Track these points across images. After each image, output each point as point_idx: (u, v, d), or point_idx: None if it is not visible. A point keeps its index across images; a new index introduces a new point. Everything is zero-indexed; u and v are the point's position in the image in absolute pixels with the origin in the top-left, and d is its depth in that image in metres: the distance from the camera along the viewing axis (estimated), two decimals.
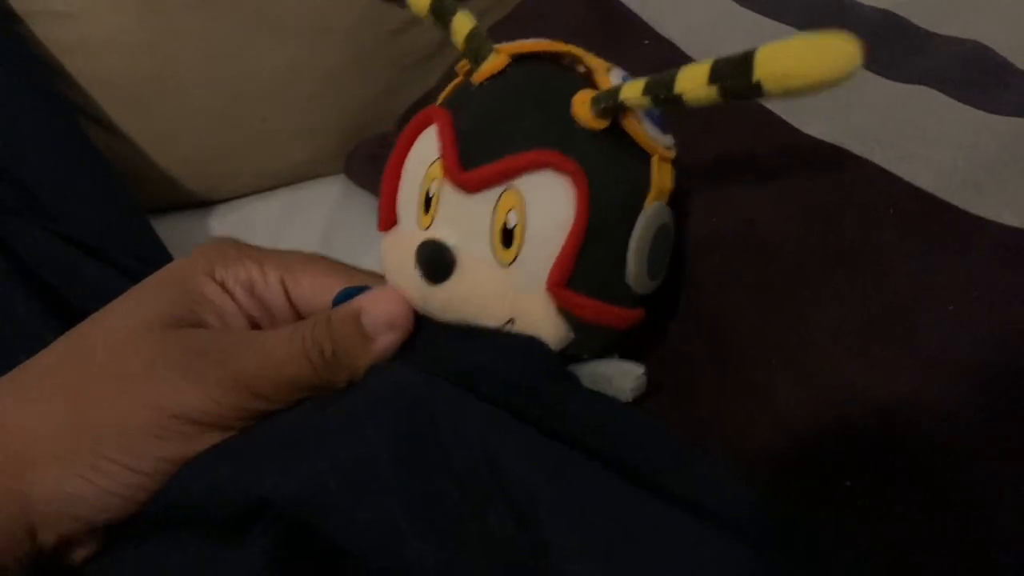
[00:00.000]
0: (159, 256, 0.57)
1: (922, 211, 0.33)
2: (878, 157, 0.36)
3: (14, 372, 0.30)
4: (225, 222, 0.71)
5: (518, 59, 0.35)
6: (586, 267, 0.32)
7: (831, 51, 0.25)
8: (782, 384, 0.34)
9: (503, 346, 0.33)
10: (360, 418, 0.29)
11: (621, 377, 0.34)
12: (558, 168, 0.32)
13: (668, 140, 0.35)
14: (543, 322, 0.33)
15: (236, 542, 0.28)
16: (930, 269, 0.32)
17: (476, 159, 0.32)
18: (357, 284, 0.35)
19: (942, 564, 0.29)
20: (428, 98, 0.66)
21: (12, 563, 0.28)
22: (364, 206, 0.70)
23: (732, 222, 0.38)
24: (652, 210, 0.34)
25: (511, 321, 0.33)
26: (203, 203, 0.73)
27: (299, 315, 0.36)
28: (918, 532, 0.30)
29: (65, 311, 0.43)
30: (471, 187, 0.32)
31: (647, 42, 0.48)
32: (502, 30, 0.57)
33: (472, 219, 0.32)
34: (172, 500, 0.29)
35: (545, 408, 0.30)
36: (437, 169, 0.33)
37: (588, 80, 0.34)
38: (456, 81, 0.37)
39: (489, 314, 0.33)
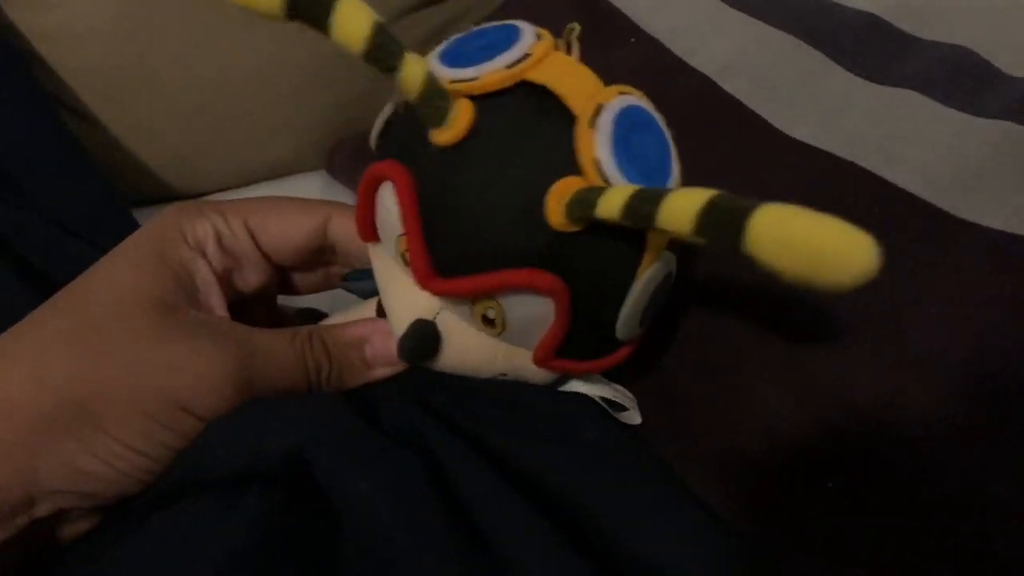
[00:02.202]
0: None
1: (908, 214, 0.33)
2: (864, 160, 0.36)
3: (4, 338, 0.30)
4: None
5: (483, 99, 0.29)
6: (573, 342, 0.30)
7: (835, 255, 0.21)
8: (764, 385, 0.34)
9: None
10: (374, 415, 0.31)
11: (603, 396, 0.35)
12: (535, 288, 0.28)
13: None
14: (534, 376, 0.33)
15: (232, 506, 0.28)
16: (915, 271, 0.32)
17: (447, 262, 0.29)
18: (319, 219, 0.36)
19: (926, 564, 0.29)
20: None
21: (2, 532, 0.27)
22: (345, 202, 0.70)
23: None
24: (648, 275, 0.30)
25: (503, 375, 0.33)
26: (183, 197, 0.72)
27: (268, 259, 0.36)
28: (901, 533, 0.30)
29: (47, 287, 0.43)
30: (443, 294, 0.30)
31: (633, 40, 0.47)
32: None
33: (455, 305, 0.31)
34: (194, 457, 0.29)
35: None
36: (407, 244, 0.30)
37: (570, 125, 0.28)
38: (396, 109, 0.33)
39: (484, 372, 0.33)
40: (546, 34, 0.31)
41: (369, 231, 0.33)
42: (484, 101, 0.28)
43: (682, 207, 0.24)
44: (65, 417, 0.27)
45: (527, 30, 0.31)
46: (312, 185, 0.73)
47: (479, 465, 0.30)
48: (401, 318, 0.32)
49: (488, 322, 0.30)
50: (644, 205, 0.25)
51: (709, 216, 0.23)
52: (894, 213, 0.33)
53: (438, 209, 0.29)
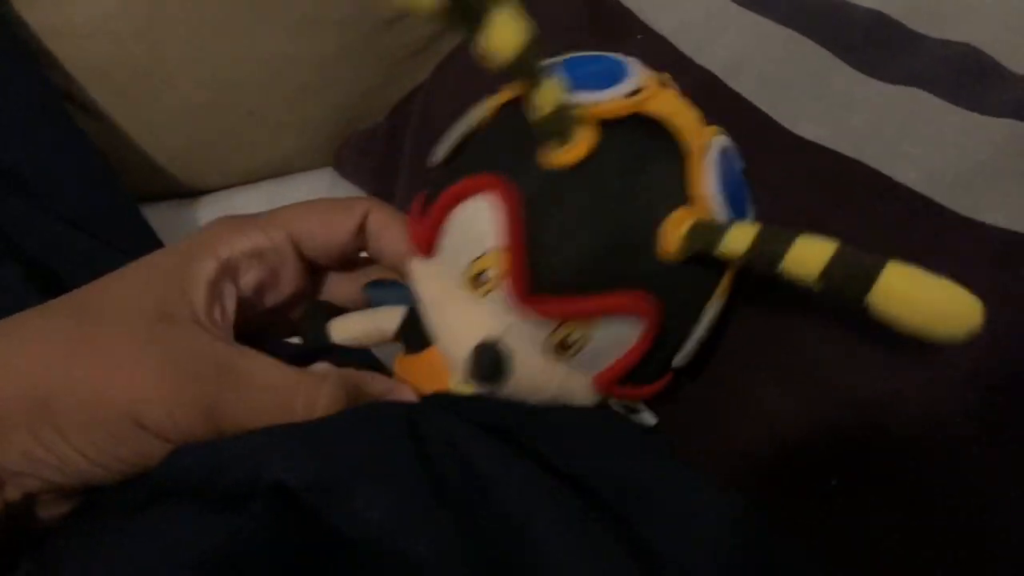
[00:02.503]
0: (148, 241, 0.56)
1: (912, 212, 0.33)
2: (869, 158, 0.35)
3: (7, 321, 0.29)
4: (211, 213, 0.71)
5: (600, 125, 0.29)
6: (637, 370, 0.32)
7: (953, 314, 0.25)
8: (767, 384, 0.34)
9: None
10: (371, 420, 0.30)
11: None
12: (638, 312, 0.30)
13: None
14: (582, 400, 0.33)
15: (233, 511, 0.27)
16: None
17: (546, 281, 0.29)
18: (360, 214, 0.35)
19: (928, 563, 0.29)
20: (418, 92, 0.66)
21: None
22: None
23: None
24: (714, 309, 0.32)
25: (552, 399, 0.33)
26: (189, 193, 0.73)
27: (309, 265, 0.36)
28: (903, 531, 0.30)
29: (54, 284, 0.42)
30: (539, 316, 0.30)
31: (639, 36, 0.47)
32: None
33: (530, 327, 0.31)
34: (167, 474, 0.28)
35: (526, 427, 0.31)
36: (497, 260, 0.30)
37: (680, 158, 0.30)
38: (504, 100, 0.33)
39: (533, 398, 0.32)
40: (648, 70, 0.32)
41: (429, 244, 0.32)
42: (601, 127, 0.29)
43: (811, 254, 0.26)
44: (24, 409, 0.27)
45: (634, 63, 0.32)
46: (319, 182, 0.74)
47: (512, 463, 0.29)
48: (460, 339, 0.31)
49: (564, 347, 0.31)
50: (772, 247, 0.27)
51: (838, 266, 0.26)
52: (899, 211, 0.33)
53: (544, 228, 0.29)
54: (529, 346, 0.31)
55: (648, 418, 0.35)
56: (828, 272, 0.26)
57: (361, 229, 0.36)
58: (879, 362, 0.31)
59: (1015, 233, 0.31)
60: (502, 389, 0.32)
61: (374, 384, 0.33)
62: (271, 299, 0.35)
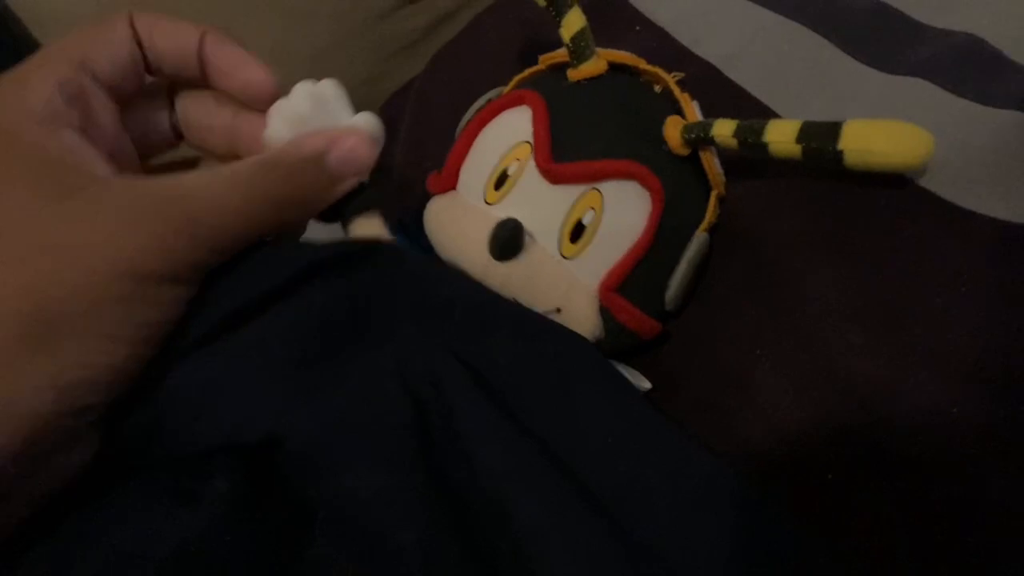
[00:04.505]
0: None
1: (913, 204, 0.33)
2: None
3: None
4: None
5: (611, 66, 0.37)
6: (637, 277, 0.34)
7: (911, 141, 0.30)
8: (766, 375, 0.34)
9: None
10: (359, 369, 0.29)
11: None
12: (644, 182, 0.33)
13: (723, 177, 0.37)
14: (585, 318, 0.34)
15: (191, 492, 0.26)
16: (920, 262, 0.32)
17: (568, 153, 0.33)
18: (119, 26, 0.33)
19: (923, 557, 0.29)
20: (413, 84, 0.66)
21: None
22: None
23: (719, 212, 0.38)
24: (702, 239, 0.36)
25: (558, 310, 0.34)
26: None
27: (150, 70, 0.34)
28: (899, 525, 0.30)
29: None
30: (560, 179, 0.33)
31: (638, 28, 0.47)
32: (495, 14, 0.57)
33: (549, 208, 0.34)
34: (132, 443, 0.27)
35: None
36: (522, 151, 0.35)
37: (669, 101, 0.37)
38: (536, 69, 0.40)
39: (541, 300, 0.34)
40: None
41: (453, 176, 0.37)
42: (613, 64, 0.37)
43: (785, 125, 0.32)
44: (23, 332, 0.25)
45: None
46: None
47: (497, 424, 0.28)
48: (477, 239, 0.34)
49: (578, 232, 0.34)
50: (753, 125, 0.33)
51: (810, 128, 0.31)
52: (899, 204, 0.33)
53: (566, 116, 0.35)
54: (544, 234, 0.34)
55: (643, 383, 0.36)
56: (803, 133, 0.31)
57: (136, 40, 0.33)
58: (880, 353, 0.31)
59: (1016, 224, 0.31)
60: (503, 275, 0.34)
61: (304, 146, 0.32)
62: (100, 137, 0.31)
